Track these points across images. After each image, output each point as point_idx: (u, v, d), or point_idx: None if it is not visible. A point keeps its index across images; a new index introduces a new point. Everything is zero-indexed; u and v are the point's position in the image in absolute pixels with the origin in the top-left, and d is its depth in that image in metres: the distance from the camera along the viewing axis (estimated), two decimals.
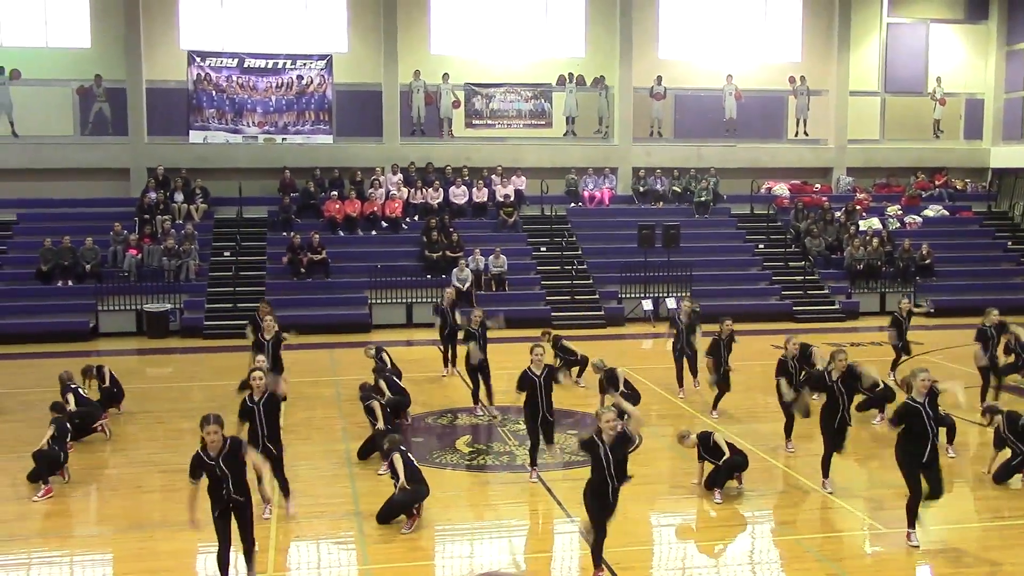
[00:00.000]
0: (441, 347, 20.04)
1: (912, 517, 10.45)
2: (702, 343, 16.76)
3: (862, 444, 14.36)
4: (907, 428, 10.24)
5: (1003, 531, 10.87)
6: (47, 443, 12.66)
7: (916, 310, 19.09)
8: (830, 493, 12.06)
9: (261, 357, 13.92)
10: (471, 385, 16.38)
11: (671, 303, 26.38)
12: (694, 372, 17.46)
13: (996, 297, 27.55)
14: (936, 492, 10.36)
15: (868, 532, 11.14)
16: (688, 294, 17.79)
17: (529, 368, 12.49)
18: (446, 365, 19.59)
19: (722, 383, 15.88)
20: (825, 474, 12.22)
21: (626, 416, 10.06)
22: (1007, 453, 12.69)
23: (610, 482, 9.33)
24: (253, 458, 9.60)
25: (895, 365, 18.02)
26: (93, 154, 28.80)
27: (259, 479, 10.37)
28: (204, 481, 9.09)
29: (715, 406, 16.04)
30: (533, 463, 12.82)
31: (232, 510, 9.15)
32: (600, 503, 9.43)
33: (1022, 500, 12.31)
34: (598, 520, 9.46)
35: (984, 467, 12.94)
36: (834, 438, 12.01)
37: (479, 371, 16.15)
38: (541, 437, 12.64)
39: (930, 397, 10.23)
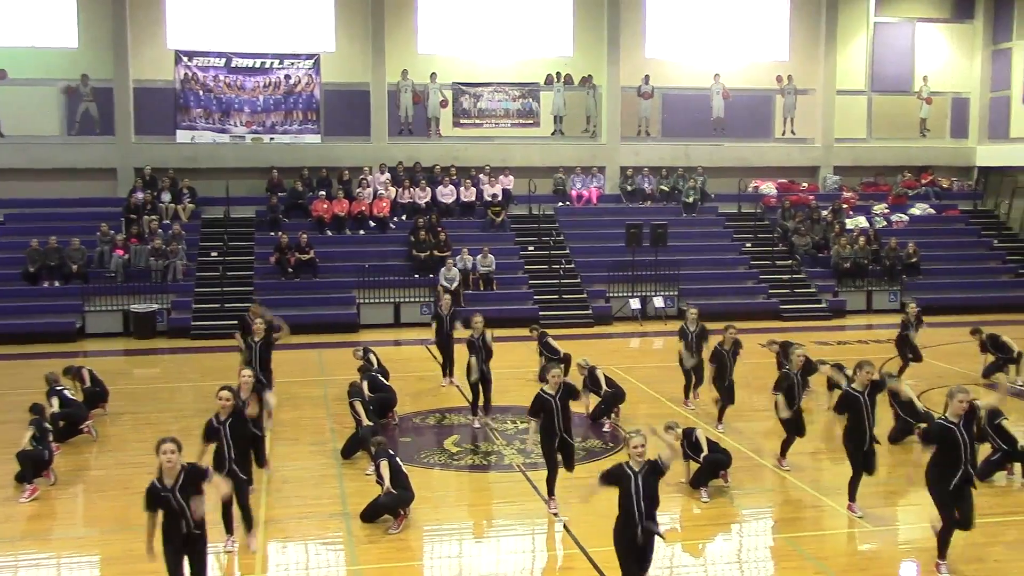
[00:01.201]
0: (436, 353, 19.45)
1: (943, 547, 9.79)
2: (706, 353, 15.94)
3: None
4: (940, 450, 9.51)
5: (986, 528, 10.92)
6: (29, 443, 12.63)
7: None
8: (860, 517, 11.31)
9: (248, 372, 11.88)
10: (471, 397, 15.75)
11: (658, 302, 26.56)
12: (699, 381, 16.55)
13: (982, 295, 27.89)
14: (965, 524, 9.71)
15: (857, 530, 11.19)
16: (694, 308, 17.24)
17: (543, 389, 11.34)
18: (445, 375, 18.59)
19: (726, 396, 15.18)
20: (851, 497, 11.38)
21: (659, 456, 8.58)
22: (987, 448, 12.80)
23: (639, 521, 8.21)
24: (217, 483, 8.80)
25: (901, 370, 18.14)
26: (80, 154, 28.70)
27: (226, 505, 10.11)
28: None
29: (720, 418, 15.29)
30: (551, 493, 11.53)
31: (185, 546, 8.35)
32: (627, 546, 8.27)
33: (1005, 497, 12.44)
34: (625, 570, 8.36)
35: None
36: (864, 459, 11.13)
37: (481, 383, 15.41)
38: (560, 462, 11.46)
39: (967, 419, 9.49)
